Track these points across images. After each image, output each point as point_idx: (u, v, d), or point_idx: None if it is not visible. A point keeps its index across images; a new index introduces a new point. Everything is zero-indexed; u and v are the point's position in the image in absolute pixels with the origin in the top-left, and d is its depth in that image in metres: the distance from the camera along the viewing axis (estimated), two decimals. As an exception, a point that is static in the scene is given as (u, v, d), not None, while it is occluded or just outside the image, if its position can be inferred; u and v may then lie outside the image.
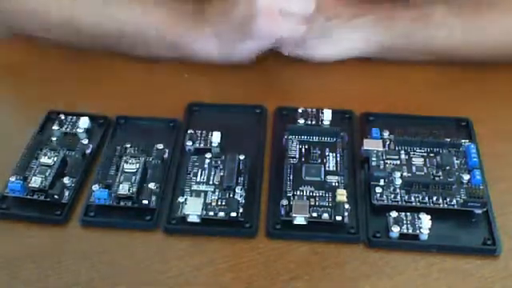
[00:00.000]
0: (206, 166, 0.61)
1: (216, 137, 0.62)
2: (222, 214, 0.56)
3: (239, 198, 0.58)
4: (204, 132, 0.63)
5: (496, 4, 0.69)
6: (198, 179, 0.59)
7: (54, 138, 0.63)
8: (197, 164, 0.61)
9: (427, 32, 0.69)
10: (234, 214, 0.56)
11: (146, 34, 0.69)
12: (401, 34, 0.69)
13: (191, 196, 0.58)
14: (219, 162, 0.61)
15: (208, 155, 0.61)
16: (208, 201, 0.57)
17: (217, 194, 0.58)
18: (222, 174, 0.60)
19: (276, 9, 0.63)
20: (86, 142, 0.63)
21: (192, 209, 0.56)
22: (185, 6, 0.69)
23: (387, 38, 0.70)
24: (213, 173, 0.60)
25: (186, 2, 0.69)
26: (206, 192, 0.58)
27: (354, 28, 0.69)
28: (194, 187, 0.59)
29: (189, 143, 0.62)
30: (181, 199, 0.57)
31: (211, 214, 0.56)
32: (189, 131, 0.63)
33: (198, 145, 0.62)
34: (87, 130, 0.64)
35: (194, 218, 0.56)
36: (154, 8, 0.69)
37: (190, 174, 0.60)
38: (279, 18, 0.63)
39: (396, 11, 0.69)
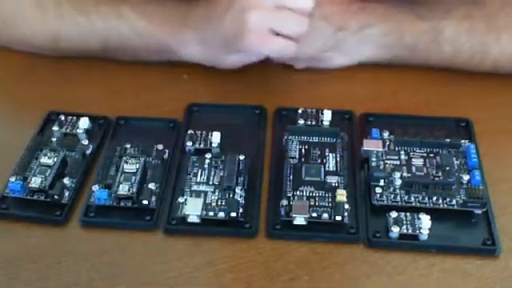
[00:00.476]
0: (205, 166, 0.61)
1: (216, 137, 0.62)
2: (221, 214, 0.56)
3: (239, 199, 0.58)
4: (204, 132, 0.63)
5: (508, 26, 0.68)
6: (198, 179, 0.59)
7: (54, 139, 0.63)
8: (197, 164, 0.61)
9: (435, 46, 0.69)
10: (233, 215, 0.56)
11: (133, 43, 0.69)
12: (409, 46, 0.69)
13: (191, 196, 0.58)
14: (219, 163, 0.61)
15: (208, 155, 0.61)
16: (208, 201, 0.57)
17: (217, 194, 0.58)
18: (221, 174, 0.60)
19: (266, 28, 0.61)
20: (85, 142, 0.63)
21: (192, 209, 0.56)
22: (169, 10, 0.68)
23: (395, 49, 0.69)
24: (213, 173, 0.60)
25: (172, 6, 0.68)
26: (205, 192, 0.58)
27: (365, 39, 0.69)
28: (194, 187, 0.59)
29: (189, 143, 0.62)
30: (181, 199, 0.57)
31: (211, 214, 0.56)
32: (189, 131, 0.63)
33: (197, 145, 0.62)
34: (87, 131, 0.64)
35: (193, 219, 0.56)
36: (138, 15, 0.68)
37: (189, 174, 0.60)
38: (268, 37, 0.61)
39: (406, 23, 0.68)
